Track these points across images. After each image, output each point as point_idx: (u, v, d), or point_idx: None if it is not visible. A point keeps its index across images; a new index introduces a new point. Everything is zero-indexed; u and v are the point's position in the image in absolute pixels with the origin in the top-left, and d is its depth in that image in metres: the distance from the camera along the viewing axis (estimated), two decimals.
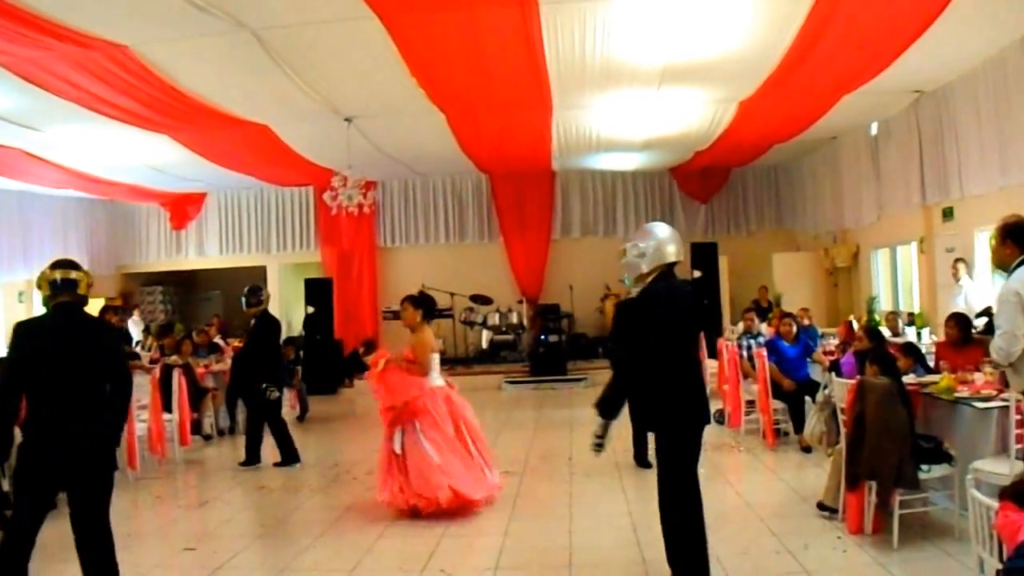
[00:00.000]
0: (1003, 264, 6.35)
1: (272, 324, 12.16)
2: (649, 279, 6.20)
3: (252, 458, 11.70)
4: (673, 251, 6.21)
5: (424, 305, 9.27)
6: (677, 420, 6.06)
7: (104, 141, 15.53)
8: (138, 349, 17.76)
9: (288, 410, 14.31)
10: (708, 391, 6.47)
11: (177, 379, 12.43)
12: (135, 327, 21.32)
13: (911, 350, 9.77)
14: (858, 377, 7.78)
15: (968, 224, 14.50)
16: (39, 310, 5.74)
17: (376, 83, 13.10)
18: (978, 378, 8.12)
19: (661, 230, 6.34)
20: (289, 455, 11.73)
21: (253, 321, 12.08)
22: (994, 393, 7.52)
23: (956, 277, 13.82)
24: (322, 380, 19.52)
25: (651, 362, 6.00)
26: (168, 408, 12.10)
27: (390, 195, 24.02)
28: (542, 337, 20.88)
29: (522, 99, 14.28)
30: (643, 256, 6.21)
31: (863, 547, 7.01)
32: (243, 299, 12.18)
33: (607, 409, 6.22)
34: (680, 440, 6.09)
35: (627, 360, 6.18)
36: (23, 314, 19.88)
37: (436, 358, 9.17)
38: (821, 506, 7.95)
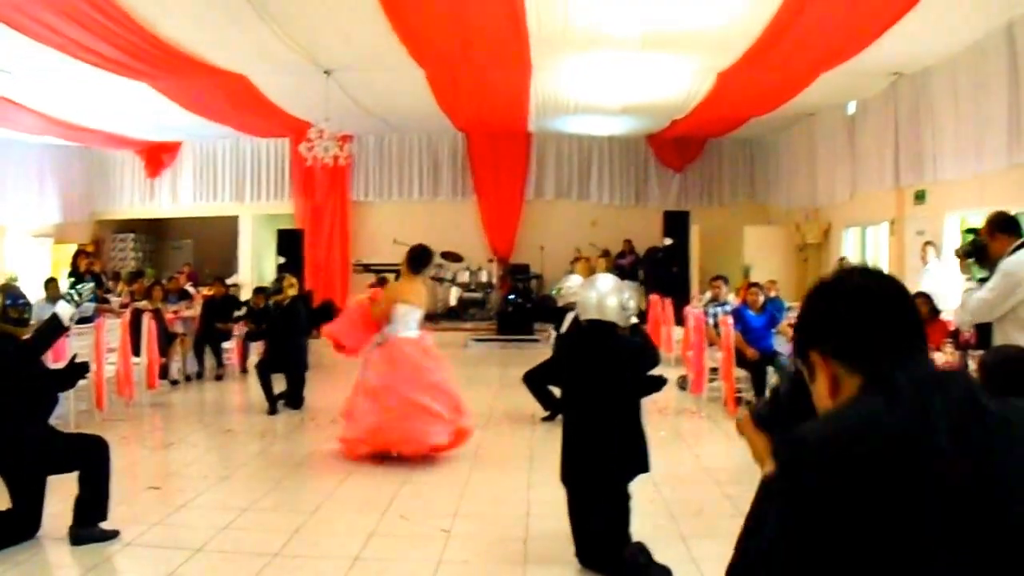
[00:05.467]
0: (999, 255, 6.27)
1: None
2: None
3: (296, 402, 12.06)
4: (609, 307, 5.69)
5: (411, 258, 9.35)
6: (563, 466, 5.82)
7: (82, 87, 15.44)
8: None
9: (255, 357, 14.36)
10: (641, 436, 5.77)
11: (147, 324, 12.46)
12: None
13: None
14: None
15: (939, 208, 14.58)
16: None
17: (357, 37, 13.08)
18: (939, 357, 8.22)
19: (602, 283, 5.86)
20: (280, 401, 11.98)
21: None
22: None
23: (924, 260, 13.91)
24: None
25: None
26: (137, 352, 12.12)
27: (366, 149, 23.98)
28: (510, 296, 21.04)
29: (502, 59, 14.30)
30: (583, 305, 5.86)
31: None
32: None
33: None
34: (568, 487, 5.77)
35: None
36: None
37: (408, 310, 9.07)
38: None
